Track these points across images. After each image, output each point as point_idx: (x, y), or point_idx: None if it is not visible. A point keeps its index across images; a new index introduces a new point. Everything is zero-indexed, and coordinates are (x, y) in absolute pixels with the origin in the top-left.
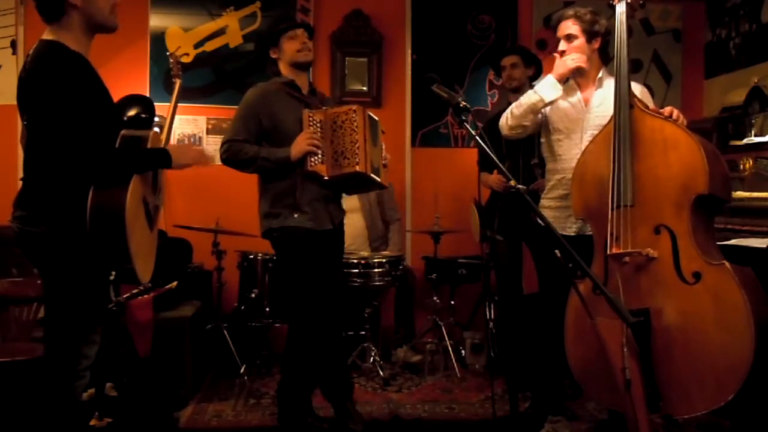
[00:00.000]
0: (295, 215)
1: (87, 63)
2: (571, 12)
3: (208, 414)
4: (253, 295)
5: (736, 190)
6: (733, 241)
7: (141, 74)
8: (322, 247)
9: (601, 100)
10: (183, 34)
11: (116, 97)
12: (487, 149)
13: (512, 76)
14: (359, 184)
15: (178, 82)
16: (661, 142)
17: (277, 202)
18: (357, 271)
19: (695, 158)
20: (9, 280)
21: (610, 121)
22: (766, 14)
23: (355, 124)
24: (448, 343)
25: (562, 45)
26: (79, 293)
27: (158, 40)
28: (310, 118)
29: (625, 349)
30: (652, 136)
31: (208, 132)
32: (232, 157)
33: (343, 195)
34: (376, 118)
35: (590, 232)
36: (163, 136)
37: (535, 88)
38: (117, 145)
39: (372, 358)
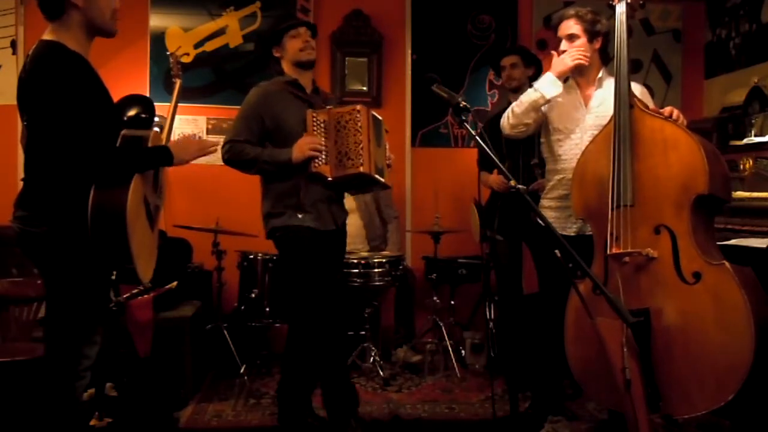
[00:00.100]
0: (299, 215)
1: (87, 63)
2: (572, 12)
3: (208, 414)
4: (253, 295)
5: (736, 190)
6: (733, 241)
7: (141, 74)
8: (325, 247)
9: (601, 100)
10: (183, 34)
11: (116, 97)
12: (487, 149)
13: (512, 76)
14: (363, 184)
15: (178, 82)
16: (661, 142)
17: (279, 203)
18: (357, 271)
19: (695, 158)
20: (9, 280)
21: (610, 121)
22: (766, 14)
23: (359, 124)
24: (448, 343)
25: (564, 45)
26: (81, 293)
27: (158, 40)
28: (314, 119)
29: (625, 349)
30: (652, 136)
31: (208, 132)
32: (234, 158)
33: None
34: (380, 118)
35: (590, 232)
36: (164, 136)
37: (534, 85)
38: (118, 145)
39: (372, 358)
